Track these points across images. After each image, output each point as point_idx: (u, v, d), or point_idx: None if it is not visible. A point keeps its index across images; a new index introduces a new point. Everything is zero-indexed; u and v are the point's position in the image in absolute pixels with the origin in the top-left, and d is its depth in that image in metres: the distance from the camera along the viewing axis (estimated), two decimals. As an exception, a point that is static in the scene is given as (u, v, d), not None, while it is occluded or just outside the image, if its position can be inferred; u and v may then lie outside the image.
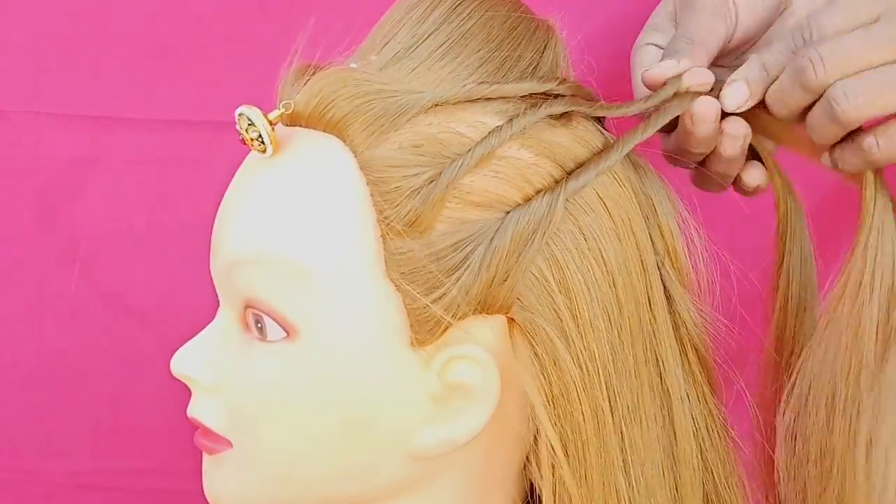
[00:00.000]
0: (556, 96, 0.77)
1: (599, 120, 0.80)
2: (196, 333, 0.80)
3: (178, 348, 0.80)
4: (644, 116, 0.80)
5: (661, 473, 0.77)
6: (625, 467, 0.76)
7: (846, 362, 0.78)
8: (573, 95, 0.78)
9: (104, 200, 1.07)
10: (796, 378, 0.80)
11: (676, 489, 0.78)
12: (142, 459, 1.12)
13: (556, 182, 0.75)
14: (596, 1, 0.97)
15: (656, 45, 0.85)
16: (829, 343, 0.79)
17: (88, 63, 1.04)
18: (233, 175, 0.79)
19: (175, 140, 1.05)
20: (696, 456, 0.79)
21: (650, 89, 0.81)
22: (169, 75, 1.04)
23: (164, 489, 1.12)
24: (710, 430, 0.79)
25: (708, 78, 0.80)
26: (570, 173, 0.76)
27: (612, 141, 0.78)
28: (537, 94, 0.77)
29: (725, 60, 0.85)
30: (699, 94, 0.79)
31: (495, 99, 0.76)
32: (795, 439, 0.81)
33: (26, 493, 1.13)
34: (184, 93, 1.04)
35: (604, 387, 0.75)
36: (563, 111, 0.76)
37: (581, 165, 0.76)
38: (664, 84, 0.80)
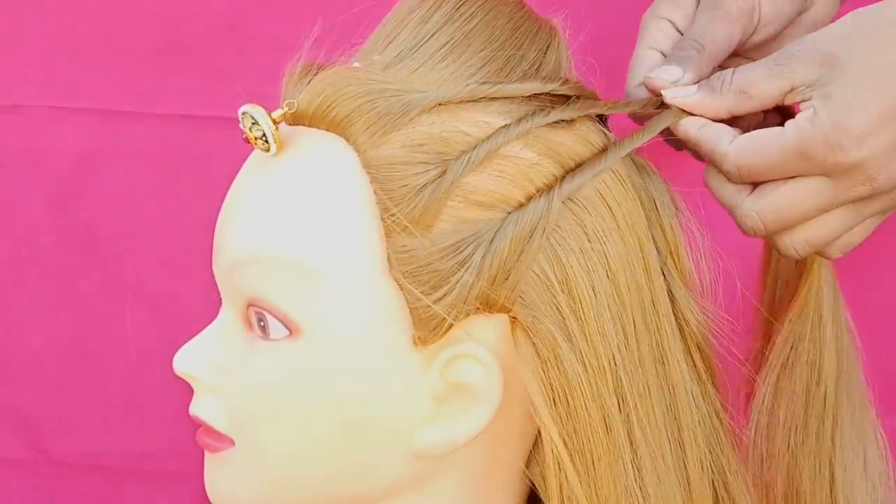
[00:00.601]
0: (560, 97, 0.77)
1: (602, 119, 0.80)
2: (206, 321, 0.80)
3: (188, 333, 0.80)
4: (641, 120, 0.80)
5: (671, 472, 0.77)
6: (634, 466, 0.75)
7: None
8: (577, 96, 0.78)
9: (115, 192, 1.07)
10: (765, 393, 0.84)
11: (687, 488, 0.78)
12: (152, 442, 1.13)
13: (555, 181, 0.75)
14: (599, 1, 0.97)
15: (669, 20, 0.83)
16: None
17: (99, 58, 1.05)
18: (240, 169, 0.79)
19: (184, 134, 1.06)
20: (705, 454, 0.78)
21: (652, 93, 0.80)
22: (178, 71, 1.04)
23: (173, 472, 1.13)
24: (717, 428, 0.79)
25: (689, 100, 0.79)
26: (568, 173, 0.75)
27: (612, 141, 0.78)
28: (540, 94, 0.76)
29: (747, 53, 0.84)
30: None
31: (498, 99, 0.75)
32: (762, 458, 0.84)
33: (40, 471, 1.14)
34: (193, 88, 1.04)
35: (609, 385, 0.75)
36: (572, 118, 0.76)
37: (580, 166, 0.76)
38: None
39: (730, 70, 0.78)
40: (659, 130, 0.78)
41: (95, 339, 1.12)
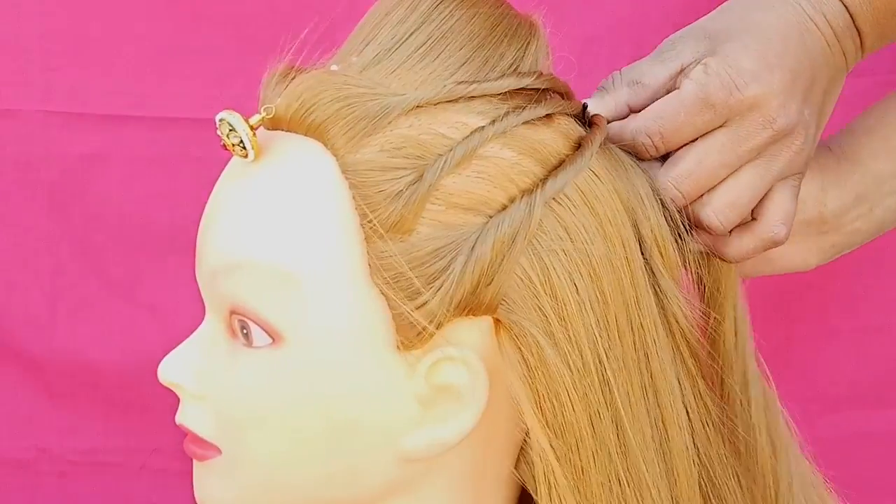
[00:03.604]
0: (535, 91, 0.75)
1: (580, 114, 0.78)
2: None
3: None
4: None
5: (657, 470, 0.75)
6: (620, 465, 0.74)
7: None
8: (550, 90, 0.76)
9: (113, 196, 1.07)
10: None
11: (673, 485, 0.76)
12: (153, 439, 1.13)
13: (537, 183, 0.73)
14: (587, 3, 0.96)
15: None
16: None
17: (96, 63, 1.05)
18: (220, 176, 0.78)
19: (181, 138, 1.06)
20: (692, 451, 0.77)
21: None
22: (175, 74, 1.04)
23: (175, 468, 1.12)
24: (706, 424, 0.78)
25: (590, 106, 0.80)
26: (549, 172, 0.74)
27: (588, 136, 0.76)
28: (516, 90, 0.75)
29: None
30: None
31: (477, 98, 0.74)
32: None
33: (41, 470, 1.14)
34: (189, 91, 1.04)
35: (594, 385, 0.73)
36: (546, 114, 0.75)
37: (562, 163, 0.74)
38: None
39: (617, 71, 0.80)
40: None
41: (93, 338, 1.11)
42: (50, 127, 1.06)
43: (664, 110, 0.78)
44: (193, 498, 0.81)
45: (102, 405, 1.13)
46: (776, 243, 0.81)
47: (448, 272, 0.72)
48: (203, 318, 0.79)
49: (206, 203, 0.78)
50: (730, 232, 0.80)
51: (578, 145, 0.76)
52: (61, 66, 1.04)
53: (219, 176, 0.79)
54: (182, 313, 1.01)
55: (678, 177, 0.78)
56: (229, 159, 0.78)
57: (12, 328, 1.11)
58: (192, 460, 0.80)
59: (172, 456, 1.12)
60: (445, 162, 0.72)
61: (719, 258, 0.80)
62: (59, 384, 1.12)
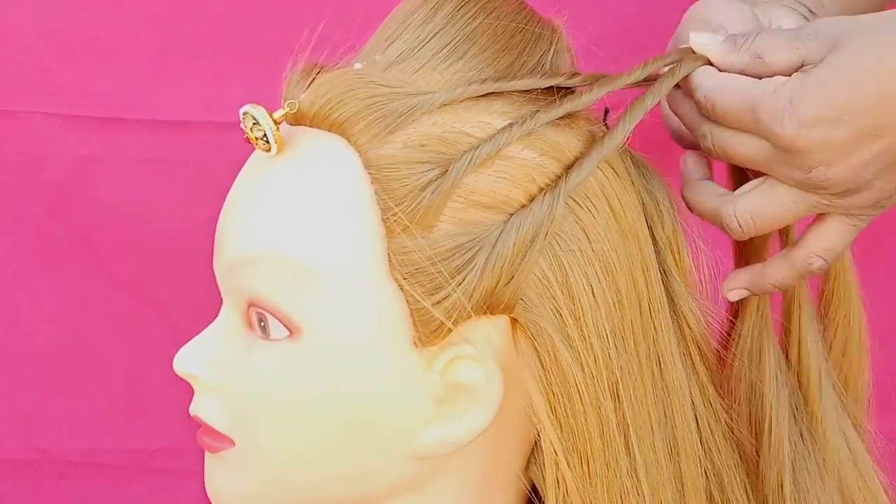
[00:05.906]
0: (557, 92, 0.75)
1: (603, 115, 0.79)
2: (206, 321, 0.79)
3: (190, 333, 0.78)
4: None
5: (664, 473, 0.75)
6: (628, 467, 0.74)
7: None
8: (572, 92, 0.76)
9: (112, 198, 1.07)
10: None
11: (681, 489, 0.76)
12: (153, 440, 1.13)
13: (557, 181, 0.73)
14: (598, 4, 0.96)
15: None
16: None
17: (95, 65, 1.04)
18: (237, 174, 0.78)
19: (179, 140, 1.05)
20: (699, 455, 0.77)
21: None
22: (173, 76, 1.04)
23: (176, 469, 1.12)
24: (714, 428, 0.78)
25: (713, 47, 0.77)
26: (570, 167, 0.74)
27: (607, 135, 0.76)
28: (544, 90, 0.75)
29: None
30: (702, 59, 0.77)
31: (500, 99, 0.74)
32: None
33: (41, 471, 1.13)
34: (188, 93, 1.04)
35: (605, 387, 0.73)
36: (567, 115, 0.75)
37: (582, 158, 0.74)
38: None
39: (754, 32, 0.77)
40: (661, 95, 0.76)
41: (96, 338, 1.11)
42: (48, 128, 1.05)
43: (728, 88, 0.75)
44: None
45: (103, 405, 1.12)
46: (810, 274, 0.78)
47: (469, 268, 0.72)
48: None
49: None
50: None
51: (601, 136, 0.75)
52: (59, 68, 1.04)
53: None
54: (186, 312, 1.01)
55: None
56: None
57: (12, 327, 1.11)
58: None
59: (173, 457, 1.12)
60: (471, 160, 0.72)
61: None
62: (62, 382, 1.12)
